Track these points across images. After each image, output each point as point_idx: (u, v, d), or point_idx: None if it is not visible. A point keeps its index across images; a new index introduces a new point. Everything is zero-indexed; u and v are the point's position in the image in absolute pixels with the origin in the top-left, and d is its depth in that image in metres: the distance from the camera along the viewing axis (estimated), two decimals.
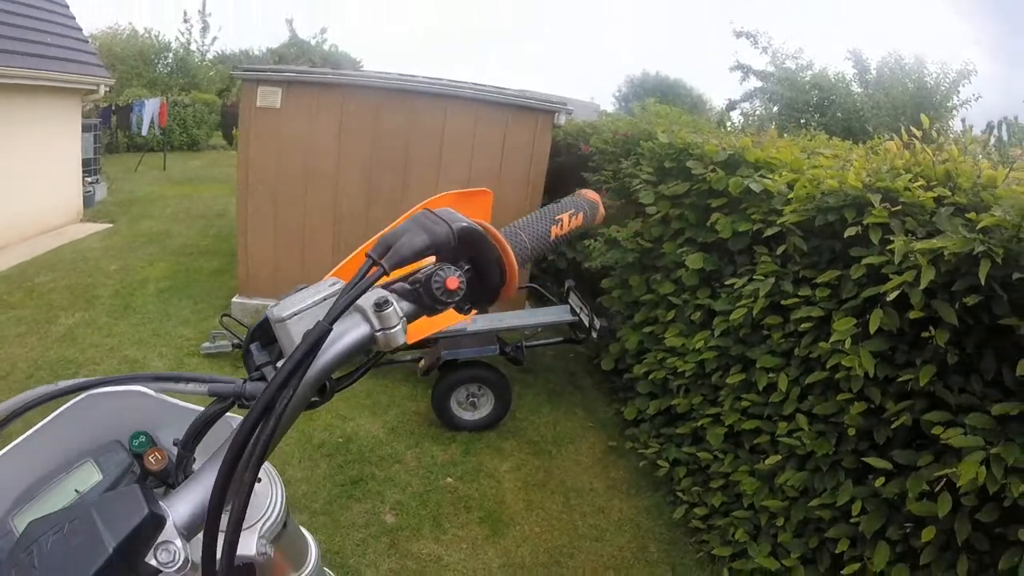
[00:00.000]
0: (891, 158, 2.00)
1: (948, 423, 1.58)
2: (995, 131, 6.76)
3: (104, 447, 0.52)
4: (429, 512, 2.64)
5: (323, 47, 20.18)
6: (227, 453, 0.43)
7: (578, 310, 3.50)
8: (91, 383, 0.53)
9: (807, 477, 2.02)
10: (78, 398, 0.52)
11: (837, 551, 1.86)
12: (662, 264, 2.94)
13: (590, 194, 0.78)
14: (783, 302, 2.14)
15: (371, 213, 4.11)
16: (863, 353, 1.79)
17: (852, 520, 1.81)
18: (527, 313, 3.79)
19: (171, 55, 17.06)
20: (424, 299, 0.54)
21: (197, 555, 0.43)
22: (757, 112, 11.76)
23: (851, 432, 1.87)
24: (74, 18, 6.80)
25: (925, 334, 1.63)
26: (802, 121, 10.07)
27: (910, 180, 1.82)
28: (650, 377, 2.96)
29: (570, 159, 4.70)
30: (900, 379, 1.73)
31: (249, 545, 0.50)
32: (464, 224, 0.56)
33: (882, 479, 1.72)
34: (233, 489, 0.43)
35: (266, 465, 0.51)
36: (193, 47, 17.90)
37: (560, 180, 4.66)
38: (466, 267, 0.57)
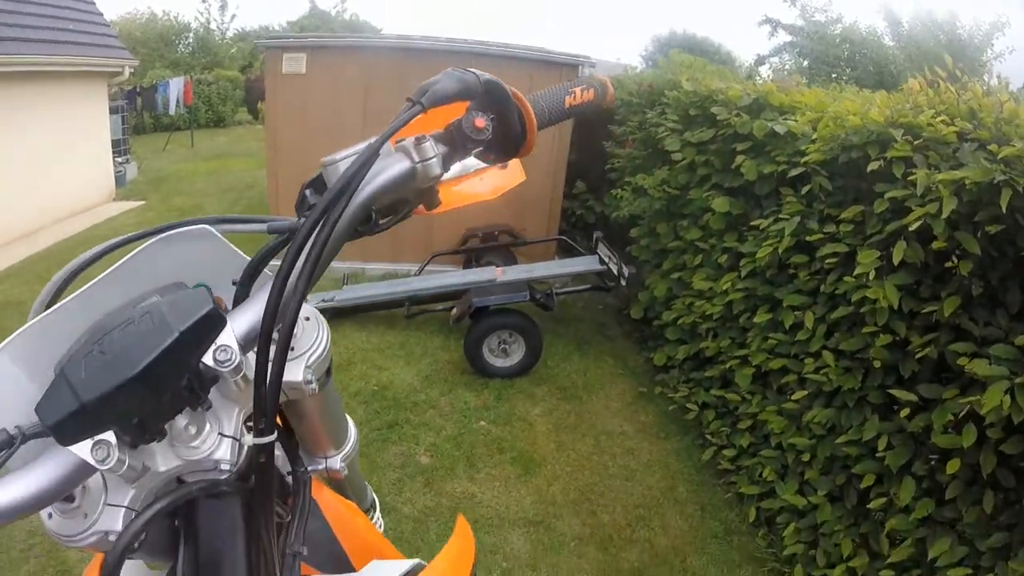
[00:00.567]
0: (914, 96, 1.95)
1: (973, 355, 1.54)
2: None
3: (169, 287, 0.54)
4: (463, 453, 2.72)
5: (344, 16, 20.08)
6: (278, 272, 0.47)
7: (607, 259, 3.50)
8: (158, 228, 0.56)
9: (834, 414, 2.01)
10: (149, 242, 0.54)
11: (863, 486, 1.86)
12: (689, 211, 2.92)
13: (601, 76, 0.80)
14: (808, 239, 2.11)
15: None
16: (888, 286, 1.76)
17: (878, 455, 1.80)
18: (556, 264, 3.80)
19: (191, 35, 17.16)
20: (456, 138, 0.60)
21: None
22: (786, 67, 11.47)
23: (877, 365, 1.85)
24: (94, 3, 6.91)
25: (949, 264, 1.60)
26: (833, 75, 9.79)
27: (933, 116, 1.78)
28: (679, 323, 2.97)
29: (595, 113, 4.63)
30: (925, 311, 1.70)
31: (296, 372, 0.53)
32: (490, 76, 0.61)
33: (907, 410, 1.70)
34: (283, 310, 0.46)
35: (313, 310, 0.54)
36: (213, 26, 17.99)
37: (585, 134, 4.62)
38: (491, 116, 0.61)
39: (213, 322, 0.44)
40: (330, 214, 0.49)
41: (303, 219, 0.53)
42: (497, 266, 3.68)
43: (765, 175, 2.42)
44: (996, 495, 1.51)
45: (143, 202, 6.60)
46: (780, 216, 2.27)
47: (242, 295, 0.54)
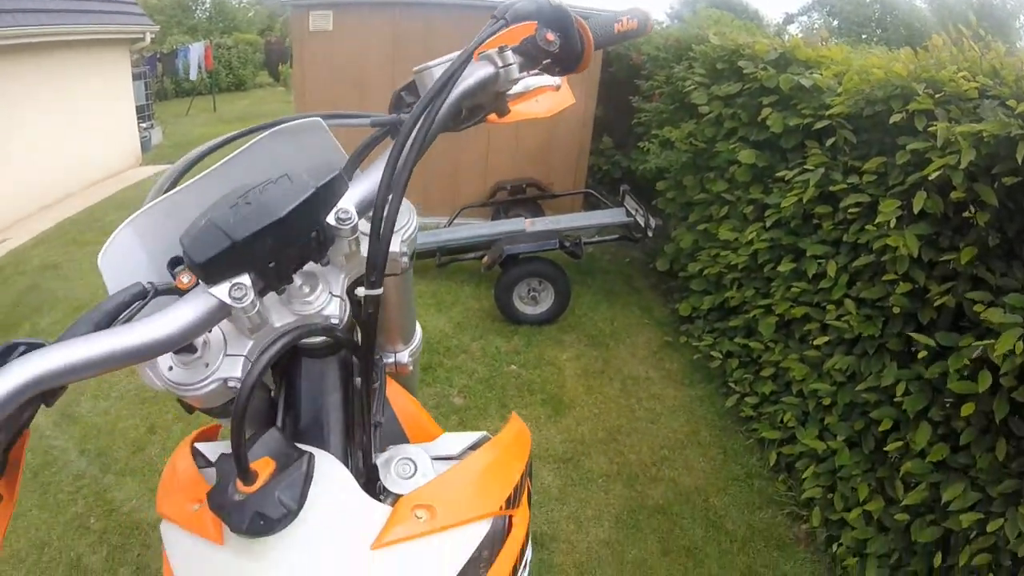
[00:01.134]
0: (937, 52, 1.96)
1: (989, 303, 1.58)
2: None
3: (279, 176, 0.58)
4: (495, 395, 2.84)
5: None
6: (392, 150, 0.55)
7: (633, 212, 3.53)
8: (272, 122, 0.63)
9: (854, 361, 2.05)
10: (263, 134, 0.61)
11: (880, 431, 1.92)
12: (715, 164, 2.93)
13: (644, 8, 0.88)
14: (832, 189, 2.14)
15: None
16: (908, 235, 1.80)
17: (896, 401, 1.85)
18: (584, 215, 3.84)
19: (208, 0, 17.03)
20: (531, 49, 0.70)
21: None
22: (815, 25, 11.11)
23: (896, 312, 1.88)
24: None
25: (967, 214, 1.62)
26: (863, 36, 9.46)
27: (955, 72, 1.79)
28: (704, 274, 3.01)
29: (622, 69, 4.61)
30: (943, 260, 1.73)
31: (395, 243, 0.60)
32: (558, 1, 0.72)
33: (925, 353, 1.75)
34: (394, 184, 0.55)
35: (406, 200, 0.61)
36: None
37: (612, 90, 4.60)
38: (558, 33, 0.71)
39: (340, 185, 0.52)
40: (433, 106, 0.57)
41: (404, 113, 0.65)
42: (525, 218, 3.73)
43: (791, 128, 2.42)
44: (1008, 443, 1.55)
45: (170, 165, 6.69)
46: (805, 168, 2.29)
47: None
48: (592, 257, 3.92)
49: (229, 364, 0.53)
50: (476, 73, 0.65)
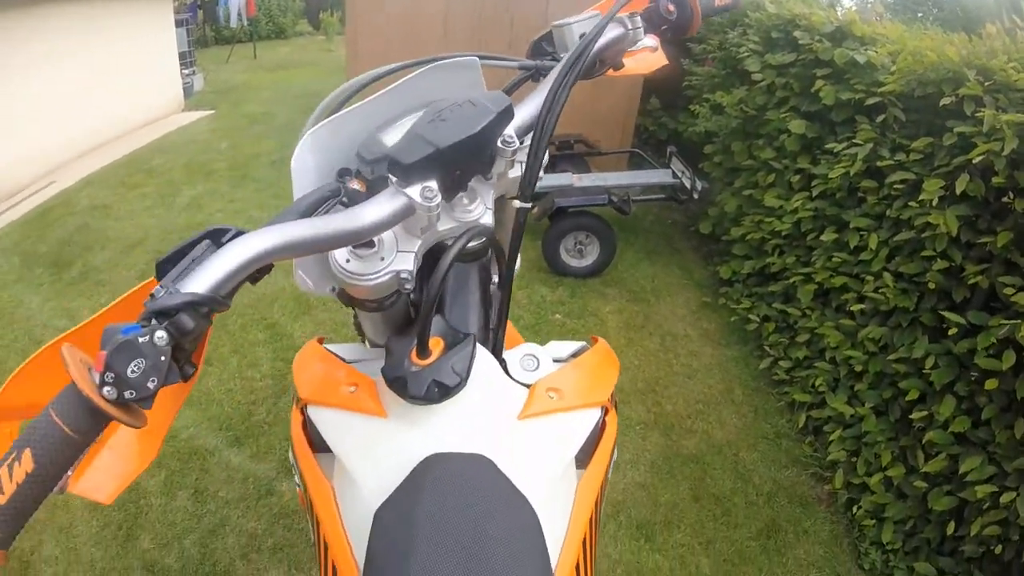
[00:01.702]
0: (990, 40, 1.98)
1: (1020, 288, 1.66)
2: None
3: (438, 102, 0.70)
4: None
5: None
6: (552, 87, 0.69)
7: (679, 173, 3.58)
8: (430, 58, 0.74)
9: (887, 333, 2.15)
10: (426, 67, 0.71)
11: (907, 399, 2.02)
12: (765, 131, 2.96)
13: None
14: (879, 165, 2.19)
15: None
16: (949, 215, 1.86)
17: (924, 373, 1.95)
18: (630, 174, 3.89)
19: None
20: (653, 16, 0.88)
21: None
22: (869, 4, 10.58)
23: (931, 287, 1.97)
24: None
25: (1006, 200, 1.69)
26: (919, 15, 9.01)
27: (1006, 62, 1.83)
28: (747, 239, 3.08)
29: (672, 31, 4.56)
30: (980, 242, 1.80)
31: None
32: None
33: (955, 330, 1.83)
34: (549, 118, 0.67)
35: None
36: None
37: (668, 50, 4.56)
38: (676, 5, 0.88)
39: (510, 113, 0.63)
40: (580, 59, 0.69)
41: (544, 59, 0.84)
42: (572, 173, 3.81)
43: (843, 102, 2.45)
44: None
45: (213, 111, 6.73)
46: (854, 142, 2.33)
47: None
48: (635, 217, 3.99)
49: (401, 259, 0.60)
50: (610, 33, 0.79)
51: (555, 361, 0.75)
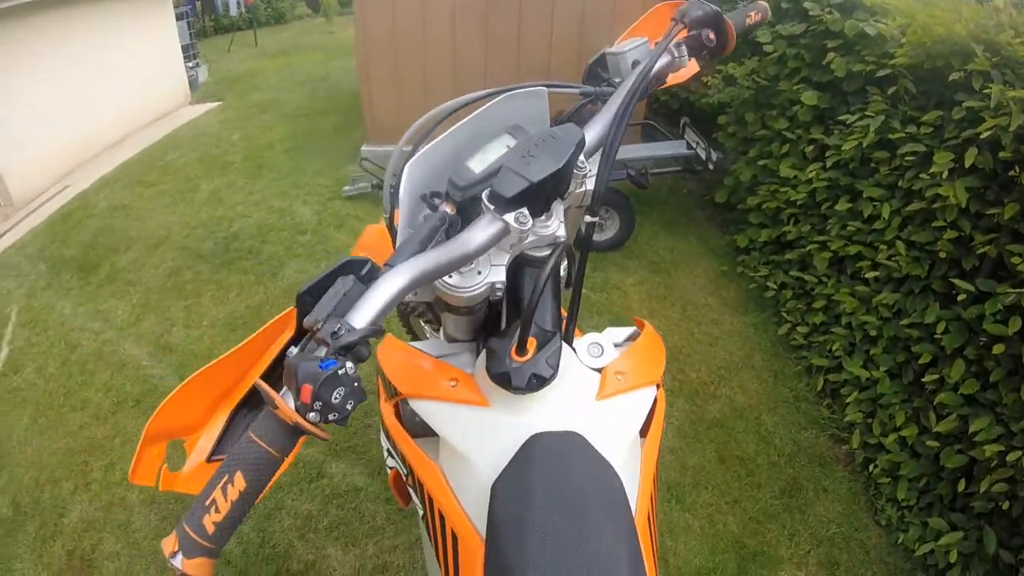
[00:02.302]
0: (998, 14, 2.02)
1: None
2: None
3: (512, 127, 0.82)
4: None
5: None
6: (617, 111, 0.83)
7: (694, 144, 3.63)
8: (502, 89, 0.83)
9: (900, 299, 2.24)
10: (500, 97, 0.82)
11: (920, 363, 2.13)
12: (777, 102, 3.01)
13: (762, 3, 1.17)
14: (891, 136, 2.26)
15: (489, 58, 4.27)
16: (958, 186, 1.95)
17: (935, 337, 2.05)
18: (644, 146, 3.94)
19: None
20: (695, 44, 1.00)
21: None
22: None
23: (942, 256, 2.06)
24: None
25: (1012, 173, 1.77)
26: None
27: (1013, 36, 1.88)
28: (762, 208, 3.15)
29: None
30: (989, 213, 1.89)
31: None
32: (715, 7, 1.00)
33: (964, 296, 1.93)
34: (613, 136, 0.82)
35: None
36: None
37: None
38: (715, 32, 1.01)
39: (584, 142, 0.74)
40: (639, 81, 0.85)
41: (601, 85, 0.98)
42: None
43: (854, 73, 2.50)
44: None
45: (220, 102, 6.66)
46: (866, 113, 2.39)
47: None
48: (651, 188, 4.05)
49: (495, 272, 0.70)
50: (660, 61, 0.93)
51: (615, 346, 0.87)
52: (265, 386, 0.52)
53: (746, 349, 2.94)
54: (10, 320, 3.23)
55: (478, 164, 0.75)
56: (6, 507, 2.26)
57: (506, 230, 0.68)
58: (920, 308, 2.15)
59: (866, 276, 2.40)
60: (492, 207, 0.67)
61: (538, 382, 0.70)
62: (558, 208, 0.76)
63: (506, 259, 0.72)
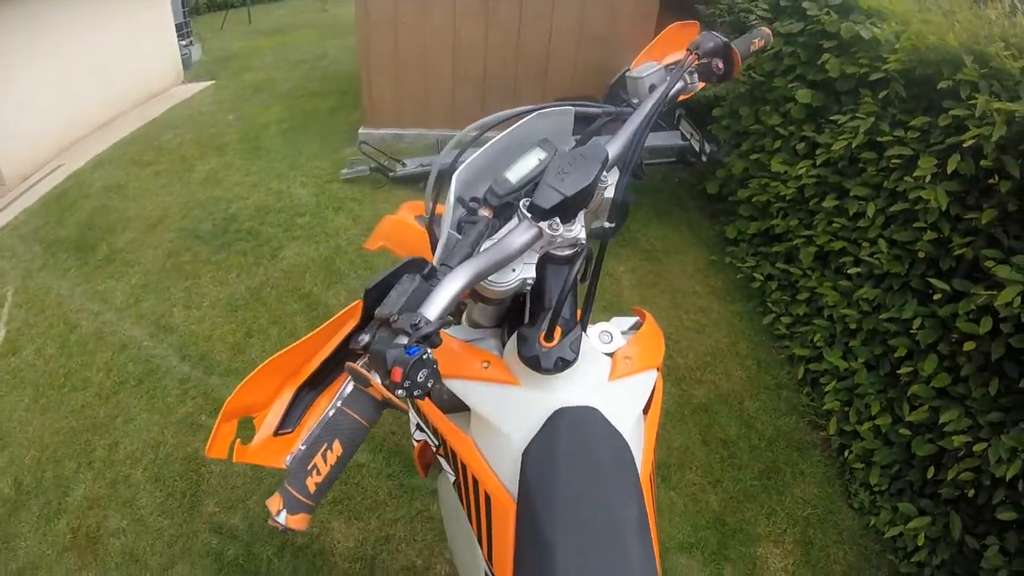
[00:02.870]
0: (990, 25, 2.10)
1: (1000, 260, 1.86)
2: None
3: (542, 142, 0.89)
4: None
5: None
6: (636, 128, 0.97)
7: (688, 136, 3.71)
8: (533, 108, 0.94)
9: (880, 294, 2.34)
10: (531, 115, 0.93)
11: (896, 356, 2.23)
12: (771, 97, 3.08)
13: (765, 30, 1.27)
14: (879, 139, 2.35)
15: (489, 38, 4.30)
16: (939, 190, 2.05)
17: (911, 332, 2.15)
18: None
19: None
20: (705, 71, 1.12)
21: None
22: None
23: (921, 256, 2.16)
24: None
25: (992, 181, 1.88)
26: None
27: (1003, 48, 1.96)
28: (752, 201, 3.24)
29: None
30: (967, 217, 2.00)
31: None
32: (724, 38, 1.11)
33: (940, 295, 2.03)
34: (632, 151, 0.94)
35: None
36: None
37: (671, 12, 4.59)
38: (724, 61, 1.11)
39: (607, 159, 0.87)
40: (656, 106, 1.00)
41: (621, 105, 1.08)
42: None
43: (847, 74, 2.57)
44: (1000, 381, 1.85)
45: (213, 81, 6.51)
46: (857, 115, 2.48)
47: (583, 143, 1.00)
48: (646, 177, 4.14)
49: (526, 269, 0.80)
50: (676, 85, 1.06)
51: (622, 334, 0.97)
52: (359, 368, 0.61)
53: (731, 337, 3.05)
54: (6, 301, 3.23)
55: (514, 175, 0.85)
56: (8, 487, 2.30)
57: (540, 235, 0.79)
58: (898, 304, 2.25)
59: (849, 271, 2.51)
60: (530, 216, 0.79)
61: (563, 364, 0.81)
62: (580, 215, 0.86)
63: (535, 258, 0.82)
